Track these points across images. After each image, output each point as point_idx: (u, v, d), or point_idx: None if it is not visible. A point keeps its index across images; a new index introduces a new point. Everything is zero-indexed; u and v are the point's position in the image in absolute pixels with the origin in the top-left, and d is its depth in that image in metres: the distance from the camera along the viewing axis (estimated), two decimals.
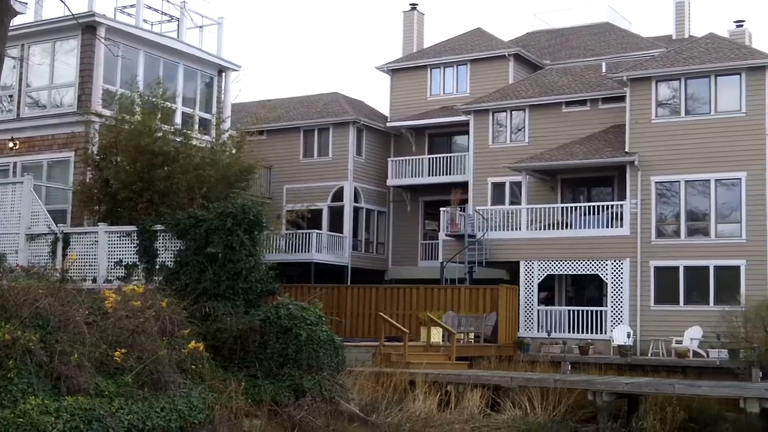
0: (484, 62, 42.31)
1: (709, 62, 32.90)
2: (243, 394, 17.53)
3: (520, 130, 38.29)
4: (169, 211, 23.20)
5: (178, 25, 31.66)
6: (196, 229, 20.69)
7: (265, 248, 24.66)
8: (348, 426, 18.16)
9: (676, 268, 32.38)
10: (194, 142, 26.70)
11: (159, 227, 22.21)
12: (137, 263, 22.49)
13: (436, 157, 41.66)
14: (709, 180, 32.45)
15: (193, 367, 17.16)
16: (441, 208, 37.47)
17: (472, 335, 31.07)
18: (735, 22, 41.71)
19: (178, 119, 28.64)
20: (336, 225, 41.91)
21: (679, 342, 30.61)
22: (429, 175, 41.46)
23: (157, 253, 22.22)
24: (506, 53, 41.90)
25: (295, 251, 39.31)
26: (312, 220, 38.40)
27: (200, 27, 32.25)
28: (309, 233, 39.69)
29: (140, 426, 14.88)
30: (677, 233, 32.91)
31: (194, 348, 17.30)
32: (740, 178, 31.97)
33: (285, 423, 17.54)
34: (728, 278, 31.52)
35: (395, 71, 44.51)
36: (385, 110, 45.03)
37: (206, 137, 28.79)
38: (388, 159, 42.95)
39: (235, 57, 52.66)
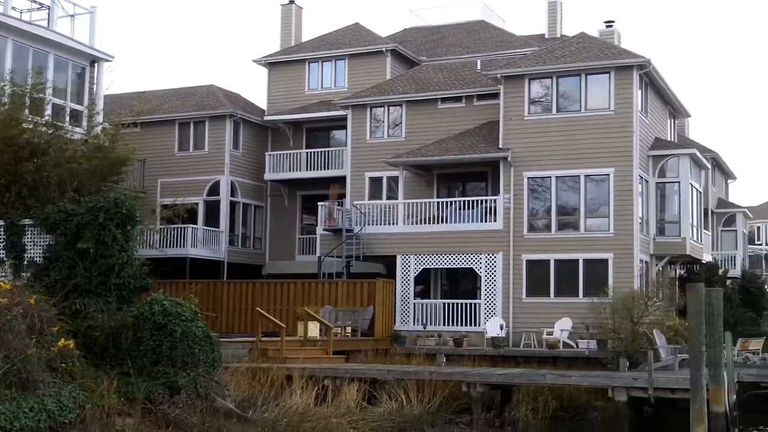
0: (362, 57, 42.46)
1: (579, 61, 33.80)
2: (115, 393, 17.20)
3: (397, 125, 38.58)
4: (38, 205, 22.57)
5: (48, 14, 30.71)
6: (66, 223, 20.20)
7: (138, 243, 24.16)
8: (224, 423, 17.99)
9: (547, 262, 33.20)
10: (66, 134, 25.99)
11: (27, 222, 21.59)
12: (4, 259, 21.80)
13: (314, 152, 41.62)
14: (579, 176, 33.35)
15: (63, 365, 16.76)
16: (319, 203, 37.48)
17: (349, 329, 31.21)
18: (605, 22, 42.87)
19: (48, 111, 27.81)
20: (212, 219, 41.44)
21: (550, 333, 31.41)
22: (307, 170, 41.41)
23: (25, 249, 21.60)
24: (384, 49, 42.14)
25: (169, 246, 38.69)
26: (187, 214, 37.81)
27: (72, 16, 31.37)
28: (184, 228, 39.15)
29: (8, 427, 14.45)
30: (548, 227, 33.72)
31: (64, 346, 16.90)
32: (609, 174, 32.97)
33: (159, 421, 17.27)
34: (597, 271, 32.48)
35: (273, 65, 44.25)
36: (262, 104, 44.71)
37: (78, 129, 28.08)
38: (266, 153, 42.68)
39: (108, 47, 51.36)
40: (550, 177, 33.77)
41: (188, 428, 17.21)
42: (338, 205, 36.96)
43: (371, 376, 24.61)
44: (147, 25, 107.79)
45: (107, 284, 19.65)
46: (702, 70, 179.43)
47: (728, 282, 43.28)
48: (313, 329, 29.06)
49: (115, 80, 77.63)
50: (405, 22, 49.27)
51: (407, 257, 34.74)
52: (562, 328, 31.45)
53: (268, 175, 42.29)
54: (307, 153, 41.78)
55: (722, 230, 50.01)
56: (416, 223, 35.24)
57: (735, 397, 23.50)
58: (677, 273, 39.14)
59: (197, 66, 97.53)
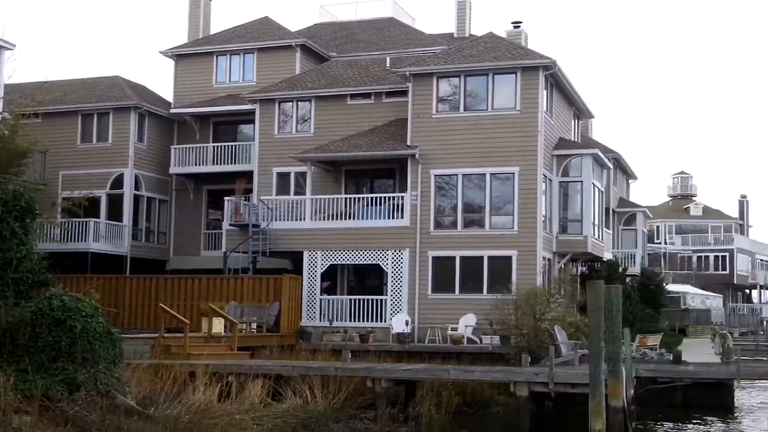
0: (271, 51, 42.22)
1: (487, 61, 34.20)
2: (12, 390, 16.79)
3: (306, 120, 38.48)
4: None
5: None
6: None
7: (38, 237, 23.64)
8: (125, 420, 17.70)
9: (453, 258, 33.54)
10: None
11: None
12: None
13: (221, 146, 41.22)
14: (485, 174, 33.74)
15: None
16: (225, 198, 37.16)
17: (254, 325, 31.05)
18: (513, 23, 43.38)
19: None
20: (115, 213, 40.73)
21: (455, 329, 31.73)
22: (213, 164, 40.98)
23: None
24: (293, 43, 41.97)
25: (70, 240, 37.89)
26: (89, 208, 37.04)
27: None
28: (86, 222, 38.37)
29: None
30: (454, 225, 34.04)
31: None
32: (514, 173, 33.44)
33: (57, 419, 16.91)
34: (501, 268, 32.92)
35: (180, 57, 43.68)
36: (169, 96, 44.12)
37: None
38: (171, 146, 42.11)
39: (10, 35, 50.02)
40: (456, 175, 34.09)
41: (87, 426, 16.90)
42: (245, 200, 36.70)
43: (276, 372, 24.54)
44: (53, 14, 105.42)
45: (4, 279, 19.23)
46: (605, 73, 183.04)
47: (628, 279, 44.36)
48: (218, 325, 28.82)
49: (17, 69, 75.63)
50: (315, 18, 49.27)
51: (314, 253, 34.69)
52: (466, 324, 31.81)
53: (174, 169, 41.74)
54: (213, 147, 41.36)
55: (623, 229, 51.19)
56: (324, 219, 35.22)
57: (633, 391, 24.15)
58: (579, 270, 39.93)
59: (103, 56, 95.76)
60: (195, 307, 31.34)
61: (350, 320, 33.63)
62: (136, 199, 41.48)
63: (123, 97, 41.93)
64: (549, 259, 34.58)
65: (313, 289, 34.48)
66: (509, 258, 32.98)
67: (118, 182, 41.16)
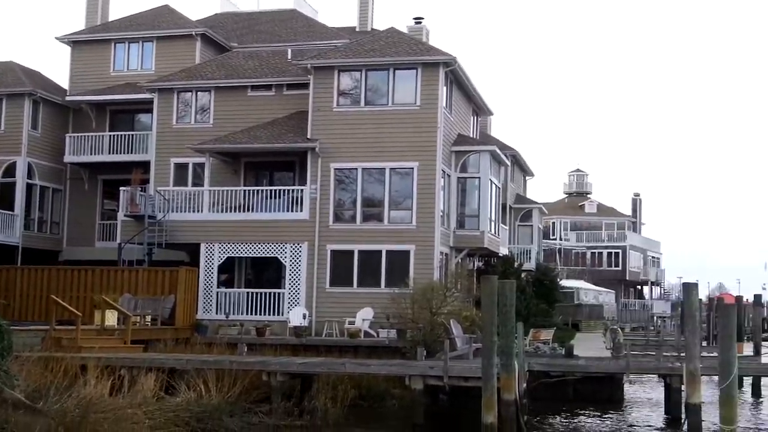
0: (171, 40, 41.63)
1: (388, 56, 34.34)
2: None
3: (205, 111, 38.06)
4: None
5: None
6: None
7: None
8: (12, 414, 17.30)
9: (352, 252, 33.60)
10: None
11: None
12: None
13: (117, 135, 40.49)
14: (385, 168, 33.90)
15: None
16: (121, 188, 36.53)
17: (149, 318, 30.62)
18: (414, 19, 43.52)
19: None
20: (6, 202, 39.66)
21: (352, 323, 31.83)
22: (110, 153, 40.24)
23: None
24: (193, 33, 41.46)
25: None
26: None
27: None
28: None
29: None
30: (354, 218, 34.12)
31: None
32: (413, 168, 33.67)
33: None
34: (399, 262, 33.12)
35: (77, 43, 42.72)
36: (65, 84, 43.10)
37: None
38: (66, 135, 41.18)
39: None
40: (356, 169, 34.17)
41: None
42: (141, 190, 36.13)
43: (170, 366, 24.27)
44: None
45: None
46: (505, 71, 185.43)
47: (523, 275, 45.07)
48: (111, 318, 28.34)
49: None
50: (216, 7, 48.67)
51: (211, 245, 34.37)
52: (363, 318, 31.94)
53: (69, 158, 40.85)
54: (110, 136, 40.60)
55: (519, 225, 52.03)
56: (222, 211, 34.92)
57: (525, 385, 24.54)
58: (475, 265, 40.44)
59: None
60: (88, 299, 30.79)
61: (247, 313, 33.42)
62: (29, 188, 40.48)
63: (17, 83, 40.83)
64: (446, 254, 34.95)
65: (209, 282, 34.15)
66: (407, 252, 33.21)
67: (10, 170, 40.12)
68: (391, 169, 33.92)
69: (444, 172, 34.40)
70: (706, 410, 22.27)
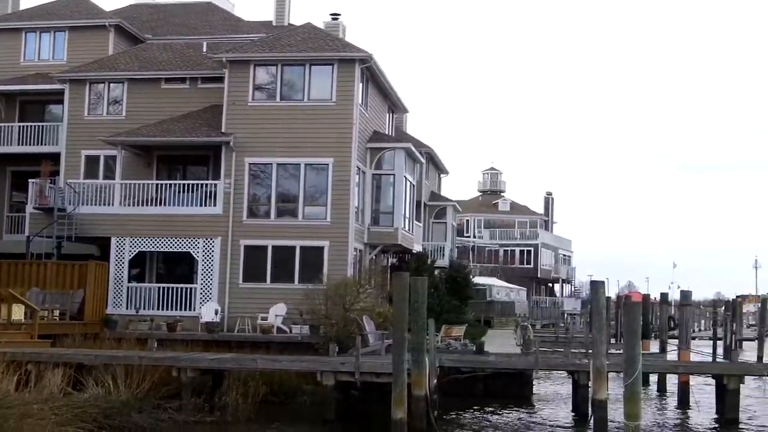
0: (84, 30, 40.88)
1: (304, 51, 34.28)
2: None
3: (118, 103, 37.48)
4: None
5: None
6: None
7: None
8: None
9: (265, 248, 33.48)
10: None
11: None
12: None
13: (27, 126, 39.52)
14: (300, 164, 33.85)
15: None
16: (30, 180, 35.75)
17: (57, 312, 30.08)
18: (331, 15, 43.49)
19: None
20: None
21: (265, 318, 31.72)
22: (19, 144, 39.28)
23: None
24: (107, 23, 40.77)
25: None
26: None
27: None
28: None
29: None
30: (268, 214, 34.00)
31: None
32: (328, 164, 33.69)
33: None
34: (313, 258, 33.13)
35: None
36: None
37: None
38: None
39: None
40: (271, 164, 34.05)
41: None
42: (51, 182, 35.42)
43: (77, 361, 23.92)
44: None
45: None
46: (421, 69, 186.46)
47: (437, 271, 45.53)
48: (18, 312, 27.73)
49: None
50: None
51: (122, 239, 33.89)
52: (276, 314, 31.85)
53: None
54: (19, 126, 39.64)
55: (433, 222, 52.42)
56: (133, 205, 34.46)
57: (436, 381, 24.76)
58: (389, 262, 40.66)
59: None
60: None
61: (158, 309, 33.03)
62: None
63: None
64: (360, 250, 35.07)
65: (120, 277, 33.68)
66: (321, 248, 33.22)
67: None
68: (306, 164, 33.88)
69: (359, 168, 34.51)
70: (613, 406, 22.78)
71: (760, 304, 67.92)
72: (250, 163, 34.06)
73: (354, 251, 33.68)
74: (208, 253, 33.50)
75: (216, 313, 32.14)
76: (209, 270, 33.41)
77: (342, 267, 32.66)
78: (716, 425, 25.93)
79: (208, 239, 33.54)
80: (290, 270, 33.21)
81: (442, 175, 58.11)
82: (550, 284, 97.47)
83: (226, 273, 33.37)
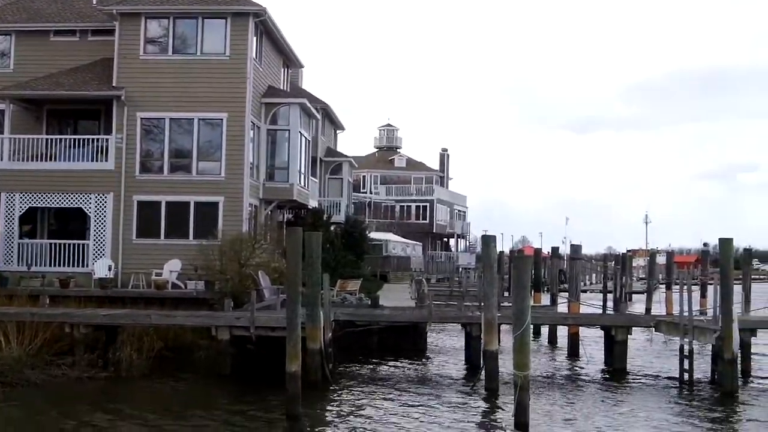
0: None
1: (197, 4, 33.81)
2: None
3: (5, 55, 36.41)
4: None
5: None
6: None
7: None
8: None
9: (159, 203, 33.20)
10: None
11: None
12: None
13: None
14: (194, 119, 33.55)
15: None
16: None
17: None
18: None
19: None
20: None
21: (159, 274, 31.55)
22: None
23: None
24: None
25: None
26: None
27: None
28: None
29: None
30: (161, 169, 33.65)
31: None
32: (222, 119, 33.46)
33: None
34: (207, 214, 32.98)
35: None
36: None
37: None
38: None
39: None
40: (164, 119, 33.66)
41: None
42: None
43: None
44: None
45: None
46: (316, 24, 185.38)
47: (333, 227, 45.75)
48: None
49: None
50: None
51: (12, 195, 33.16)
52: (171, 270, 31.70)
53: None
54: None
55: (329, 178, 52.57)
56: (23, 160, 33.67)
57: (331, 335, 25.10)
58: (285, 217, 40.72)
59: None
60: None
61: (51, 265, 32.50)
62: None
63: None
64: (256, 206, 35.06)
65: (10, 233, 32.99)
66: (216, 204, 33.11)
67: None
68: (200, 119, 33.60)
69: (254, 123, 34.38)
70: (506, 357, 23.41)
71: (649, 258, 70.42)
72: (142, 118, 33.60)
73: (249, 207, 33.66)
74: (100, 209, 33.04)
75: (109, 269, 31.81)
76: (102, 226, 32.98)
77: (237, 223, 32.64)
78: (605, 375, 26.92)
79: (101, 195, 33.07)
80: (185, 226, 33.03)
81: (338, 131, 58.16)
82: (446, 239, 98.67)
83: (119, 229, 33.00)
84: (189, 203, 33.13)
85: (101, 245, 32.91)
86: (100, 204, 33.06)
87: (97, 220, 33.02)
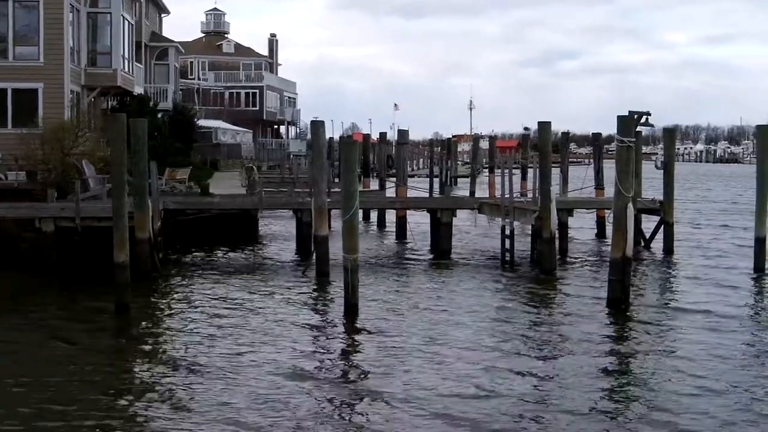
0: None
1: None
2: None
3: None
4: None
5: None
6: None
7: None
8: None
9: None
10: None
11: None
12: None
13: None
14: (8, 1, 31.75)
15: None
16: None
17: None
18: None
19: None
20: None
21: None
22: None
23: None
24: None
25: None
26: None
27: None
28: None
29: None
30: None
31: None
32: (39, 2, 31.78)
33: None
34: (26, 101, 31.64)
35: None
36: None
37: None
38: None
39: None
40: None
41: None
42: None
43: None
44: None
45: None
46: None
47: (160, 114, 44.68)
48: None
49: None
50: None
51: None
52: None
53: None
54: None
55: (155, 64, 51.02)
56: None
57: (160, 223, 24.79)
58: (110, 105, 39.48)
59: None
60: None
61: None
62: None
63: None
64: (78, 93, 33.83)
65: None
66: (35, 91, 31.75)
67: None
68: (15, 1, 31.83)
69: (73, 6, 32.87)
70: (338, 242, 23.78)
71: (473, 143, 72.22)
72: None
73: (71, 94, 32.43)
74: None
75: None
76: None
77: (59, 110, 31.42)
78: (431, 256, 27.82)
79: None
80: (3, 114, 31.61)
81: (163, 15, 56.22)
82: (276, 126, 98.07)
83: None
84: (6, 90, 31.64)
85: None
86: None
87: None
